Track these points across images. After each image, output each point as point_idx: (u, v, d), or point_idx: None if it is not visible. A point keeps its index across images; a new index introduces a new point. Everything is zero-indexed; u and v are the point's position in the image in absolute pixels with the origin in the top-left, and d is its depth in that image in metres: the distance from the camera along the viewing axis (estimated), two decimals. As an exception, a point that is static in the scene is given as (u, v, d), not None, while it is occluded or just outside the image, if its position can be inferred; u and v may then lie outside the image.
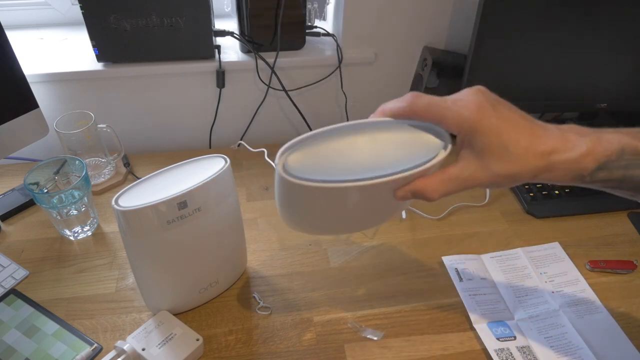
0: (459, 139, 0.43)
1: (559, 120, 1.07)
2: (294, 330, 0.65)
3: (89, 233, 0.79)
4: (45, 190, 0.76)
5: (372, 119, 0.42)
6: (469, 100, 0.41)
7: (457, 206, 0.84)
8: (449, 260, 0.74)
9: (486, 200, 0.85)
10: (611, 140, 0.41)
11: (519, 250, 0.76)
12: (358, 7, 0.92)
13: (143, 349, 0.59)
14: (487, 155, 0.41)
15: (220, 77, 0.96)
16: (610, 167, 0.41)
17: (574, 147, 0.41)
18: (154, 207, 0.54)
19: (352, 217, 0.49)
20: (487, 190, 0.87)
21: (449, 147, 0.42)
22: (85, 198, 0.75)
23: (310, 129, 1.05)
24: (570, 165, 0.41)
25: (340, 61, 0.97)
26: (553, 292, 0.70)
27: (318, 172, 0.40)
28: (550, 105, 0.92)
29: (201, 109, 1.01)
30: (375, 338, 0.64)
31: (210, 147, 1.06)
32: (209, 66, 0.94)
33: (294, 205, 0.46)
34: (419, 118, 0.42)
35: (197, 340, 0.60)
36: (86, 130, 0.81)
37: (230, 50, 0.97)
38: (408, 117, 0.42)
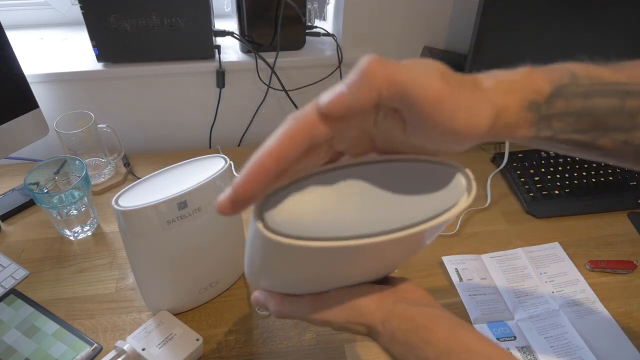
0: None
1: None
2: (294, 330, 0.65)
3: (89, 233, 0.79)
4: (46, 190, 0.76)
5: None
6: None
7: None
8: (449, 260, 0.74)
9: (487, 204, 0.85)
10: (556, 67, 0.33)
11: (519, 250, 0.76)
12: (358, 7, 0.92)
13: (143, 349, 0.59)
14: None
15: (220, 77, 0.96)
16: (565, 95, 0.32)
17: (515, 74, 0.32)
18: (154, 207, 0.54)
19: (348, 276, 0.37)
20: (488, 193, 0.87)
21: (473, 189, 0.31)
22: (85, 198, 0.75)
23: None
24: (520, 90, 0.31)
25: (340, 61, 0.97)
26: (553, 292, 0.70)
27: (311, 227, 0.29)
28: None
29: (201, 109, 1.01)
30: (375, 338, 0.64)
31: (210, 147, 1.06)
32: (209, 66, 0.94)
33: (277, 268, 0.36)
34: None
35: (197, 340, 0.60)
36: (86, 130, 0.81)
37: (230, 50, 0.97)
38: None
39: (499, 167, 0.92)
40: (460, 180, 0.31)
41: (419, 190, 0.31)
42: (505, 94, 0.30)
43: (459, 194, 0.30)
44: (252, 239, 0.34)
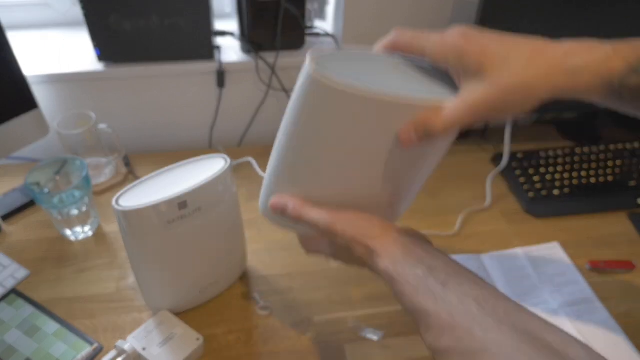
0: (454, 74, 0.40)
1: (558, 121, 1.07)
2: (294, 330, 0.65)
3: (90, 233, 0.79)
4: (46, 191, 0.76)
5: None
6: (452, 31, 0.38)
7: (456, 204, 0.84)
8: (449, 260, 0.74)
9: (487, 204, 0.85)
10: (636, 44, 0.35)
11: (519, 250, 0.76)
12: (358, 7, 0.92)
13: (144, 349, 0.59)
14: (488, 71, 0.36)
15: (221, 77, 0.96)
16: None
17: (593, 49, 0.35)
18: (155, 207, 0.54)
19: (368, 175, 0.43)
20: (488, 193, 0.87)
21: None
22: (86, 198, 0.75)
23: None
24: (594, 67, 0.34)
25: (340, 61, 0.97)
26: (553, 292, 0.70)
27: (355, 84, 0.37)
28: (549, 106, 0.92)
29: (201, 109, 1.01)
30: (375, 338, 0.64)
31: (210, 147, 1.06)
32: (209, 66, 0.94)
33: (314, 140, 0.42)
34: (403, 51, 0.42)
35: (198, 339, 0.60)
36: (86, 130, 0.81)
37: (230, 50, 0.97)
38: (395, 51, 0.43)
39: (499, 167, 0.92)
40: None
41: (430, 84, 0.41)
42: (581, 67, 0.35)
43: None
44: (297, 104, 0.42)
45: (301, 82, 0.41)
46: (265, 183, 0.50)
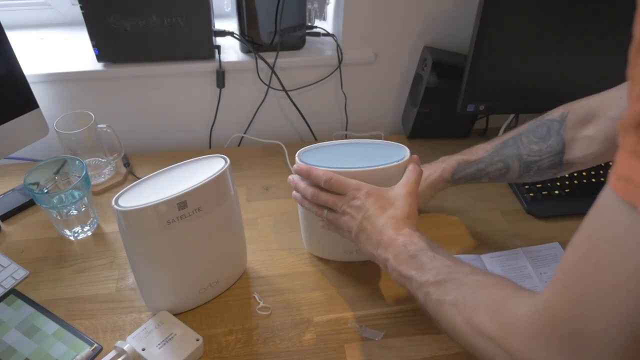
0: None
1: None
2: (294, 330, 0.65)
3: (89, 233, 0.79)
4: (46, 191, 0.76)
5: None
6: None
7: (457, 204, 0.84)
8: (449, 260, 0.74)
9: (487, 204, 0.85)
10: (452, 158, 0.75)
11: (519, 250, 0.76)
12: (358, 7, 0.92)
13: (143, 349, 0.59)
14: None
15: (220, 77, 0.96)
16: (458, 172, 0.74)
17: (436, 168, 0.76)
18: (154, 207, 0.54)
19: None
20: (488, 193, 0.87)
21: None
22: (85, 198, 0.75)
23: (310, 129, 1.06)
24: (440, 178, 0.75)
25: (340, 61, 0.97)
26: (553, 292, 0.70)
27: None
28: (550, 106, 0.92)
29: (201, 109, 1.01)
30: (375, 338, 0.64)
31: (210, 147, 1.06)
32: (209, 66, 0.94)
33: None
34: None
35: (197, 340, 0.60)
36: (86, 130, 0.81)
37: (230, 50, 0.97)
38: None
39: (499, 167, 0.91)
40: (406, 151, 0.64)
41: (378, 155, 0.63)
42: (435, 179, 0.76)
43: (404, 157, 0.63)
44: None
45: None
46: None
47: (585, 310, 0.32)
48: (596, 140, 0.61)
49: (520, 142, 0.68)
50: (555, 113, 0.66)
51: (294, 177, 0.65)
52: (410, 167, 0.62)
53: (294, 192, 0.66)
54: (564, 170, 0.66)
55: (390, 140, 0.67)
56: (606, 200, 0.32)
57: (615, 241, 0.30)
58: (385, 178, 0.61)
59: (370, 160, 0.61)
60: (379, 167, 0.61)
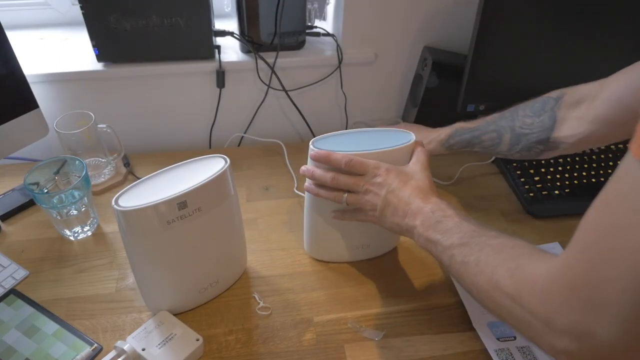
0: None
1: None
2: (294, 330, 0.65)
3: (89, 233, 0.79)
4: (46, 191, 0.76)
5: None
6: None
7: (457, 204, 0.84)
8: (449, 260, 0.74)
9: (487, 204, 0.85)
10: (448, 127, 0.80)
11: (519, 250, 0.76)
12: (358, 7, 0.92)
13: (143, 349, 0.59)
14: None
15: (220, 77, 0.96)
16: (453, 137, 0.78)
17: (434, 133, 0.82)
18: (154, 207, 0.54)
19: None
20: (488, 193, 0.87)
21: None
22: (85, 198, 0.75)
23: (310, 129, 1.06)
24: (437, 140, 0.80)
25: (340, 61, 0.97)
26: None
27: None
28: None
29: (201, 109, 1.01)
30: (375, 338, 0.64)
31: (210, 147, 1.06)
32: (209, 66, 0.94)
33: None
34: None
35: (197, 340, 0.60)
36: (86, 130, 0.81)
37: (230, 50, 0.97)
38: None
39: (499, 167, 0.91)
40: (411, 135, 0.66)
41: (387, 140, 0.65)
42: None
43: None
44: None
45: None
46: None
47: (602, 270, 0.33)
48: (584, 121, 0.63)
49: (516, 114, 0.72)
50: (554, 93, 0.69)
51: (308, 167, 0.66)
52: (419, 149, 0.65)
53: (307, 183, 0.66)
54: (550, 149, 0.68)
55: None
56: (628, 167, 0.33)
57: (635, 204, 0.31)
58: (398, 157, 0.64)
59: (380, 144, 0.64)
60: (391, 148, 0.63)
